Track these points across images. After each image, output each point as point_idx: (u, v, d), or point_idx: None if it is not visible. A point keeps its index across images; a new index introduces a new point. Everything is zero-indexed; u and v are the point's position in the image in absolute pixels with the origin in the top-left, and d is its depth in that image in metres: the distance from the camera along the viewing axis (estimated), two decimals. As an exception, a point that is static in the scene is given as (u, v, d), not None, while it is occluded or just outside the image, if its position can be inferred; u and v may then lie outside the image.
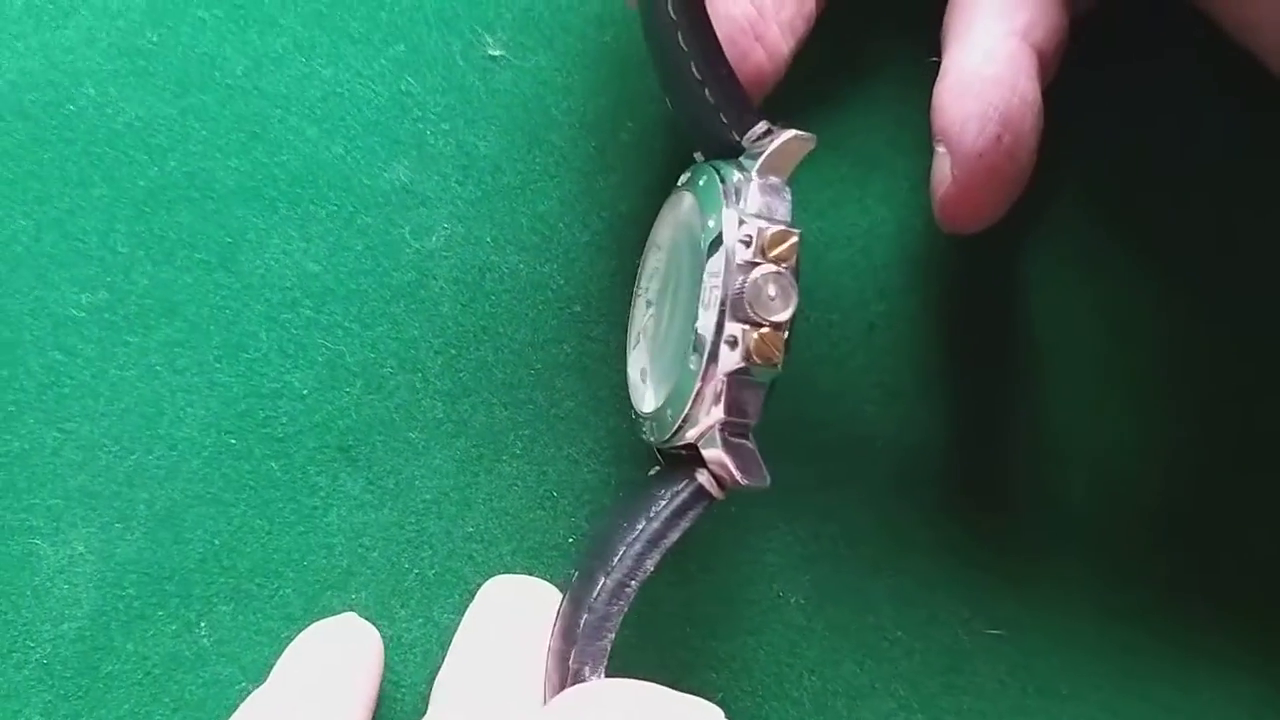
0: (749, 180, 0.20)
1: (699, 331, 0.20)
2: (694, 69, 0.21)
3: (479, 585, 0.24)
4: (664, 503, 0.20)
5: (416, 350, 0.25)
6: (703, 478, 0.20)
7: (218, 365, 0.25)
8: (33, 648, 0.24)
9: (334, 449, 0.25)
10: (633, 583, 0.20)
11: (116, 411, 0.25)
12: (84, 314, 0.25)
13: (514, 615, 0.22)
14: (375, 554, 0.25)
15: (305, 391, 0.25)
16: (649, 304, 0.23)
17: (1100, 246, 0.25)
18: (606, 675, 0.20)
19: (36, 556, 0.24)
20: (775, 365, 0.19)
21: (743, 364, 0.19)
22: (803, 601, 0.25)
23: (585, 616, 0.20)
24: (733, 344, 0.19)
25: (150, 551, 0.24)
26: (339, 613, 0.24)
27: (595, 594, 0.20)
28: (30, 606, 0.24)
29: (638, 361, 0.23)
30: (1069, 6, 0.23)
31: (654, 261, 0.23)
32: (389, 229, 0.26)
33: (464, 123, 0.26)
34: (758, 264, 0.19)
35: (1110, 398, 0.25)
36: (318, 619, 0.24)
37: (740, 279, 0.19)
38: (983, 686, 0.25)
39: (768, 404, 0.20)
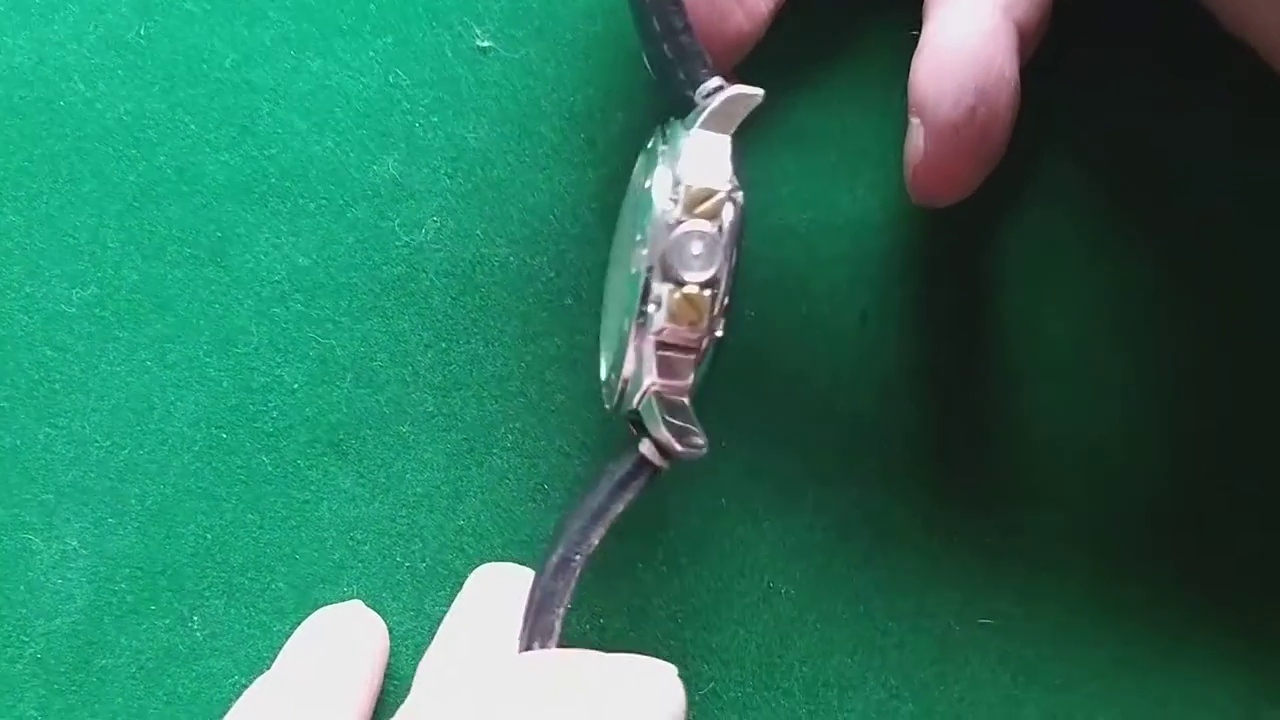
0: (686, 137, 0.19)
1: (629, 293, 0.19)
2: (655, 24, 0.20)
3: (470, 578, 0.24)
4: (610, 475, 0.20)
5: (407, 344, 0.25)
6: (645, 448, 0.20)
7: (208, 360, 0.25)
8: (26, 642, 0.24)
9: (325, 443, 0.25)
10: (577, 557, 0.20)
11: (107, 407, 0.25)
12: (74, 309, 0.25)
13: (498, 600, 0.23)
14: (367, 547, 0.25)
15: (296, 386, 0.25)
16: (611, 265, 0.23)
17: (1098, 238, 0.25)
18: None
19: (29, 552, 0.24)
20: (699, 328, 0.19)
21: (665, 325, 0.19)
22: (794, 593, 0.25)
23: (536, 594, 0.20)
24: (657, 304, 0.19)
25: (142, 546, 0.25)
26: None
27: (544, 570, 0.20)
28: (24, 601, 0.24)
29: (604, 324, 0.23)
30: None
31: (620, 222, 0.23)
32: (379, 222, 0.26)
33: (453, 115, 0.26)
34: (682, 221, 0.19)
35: (1104, 391, 0.25)
36: (310, 612, 0.24)
37: (666, 237, 0.19)
38: (973, 677, 0.25)
39: (714, 369, 0.20)
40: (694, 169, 0.19)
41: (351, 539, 0.25)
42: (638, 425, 0.20)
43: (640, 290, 0.19)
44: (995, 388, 0.25)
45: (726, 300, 0.19)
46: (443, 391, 0.25)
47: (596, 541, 0.20)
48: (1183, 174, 0.25)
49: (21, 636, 0.24)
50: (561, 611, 0.20)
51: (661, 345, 0.19)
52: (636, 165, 0.22)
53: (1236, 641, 0.25)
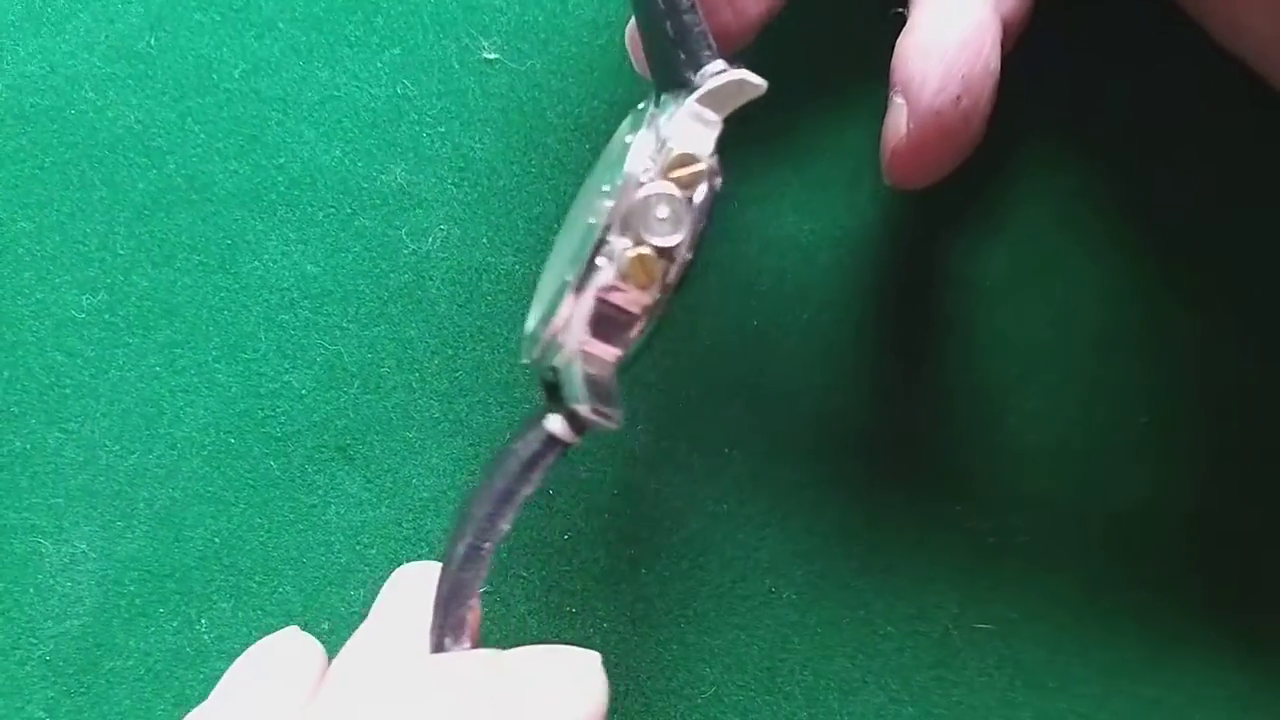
0: (679, 107, 0.19)
1: (581, 241, 0.19)
2: (660, 1, 0.20)
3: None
4: (514, 457, 0.19)
5: (414, 350, 0.26)
6: (553, 425, 0.19)
7: (217, 366, 0.25)
8: (35, 644, 0.24)
9: (332, 448, 0.25)
10: (486, 545, 0.19)
11: (117, 412, 0.25)
12: (85, 315, 0.25)
13: (414, 599, 0.21)
14: (373, 551, 0.25)
15: (304, 391, 0.25)
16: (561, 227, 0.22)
17: (1093, 245, 0.26)
18: (472, 647, 0.19)
19: (39, 555, 0.25)
20: (646, 295, 0.18)
21: (615, 282, 0.18)
22: (795, 597, 0.25)
23: (444, 586, 0.19)
24: (610, 258, 0.18)
25: (151, 549, 0.25)
26: (338, 609, 0.25)
27: (451, 561, 0.19)
28: (33, 604, 0.24)
29: (542, 282, 0.22)
30: None
31: (585, 183, 0.22)
32: (386, 231, 0.26)
33: (460, 125, 0.26)
34: (655, 182, 0.18)
35: (1103, 397, 0.25)
36: (317, 616, 0.24)
37: (635, 193, 0.18)
38: (972, 680, 0.25)
39: (647, 348, 0.19)
40: (680, 135, 0.19)
41: (358, 543, 0.25)
42: (551, 389, 0.19)
43: (595, 241, 0.18)
44: (994, 393, 0.25)
45: (677, 280, 0.19)
46: (449, 398, 0.25)
47: (507, 527, 0.19)
48: (1176, 177, 0.26)
49: (30, 639, 0.24)
50: (475, 603, 0.19)
51: (602, 303, 0.18)
52: (623, 124, 0.22)
53: (1232, 644, 0.25)
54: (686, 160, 0.18)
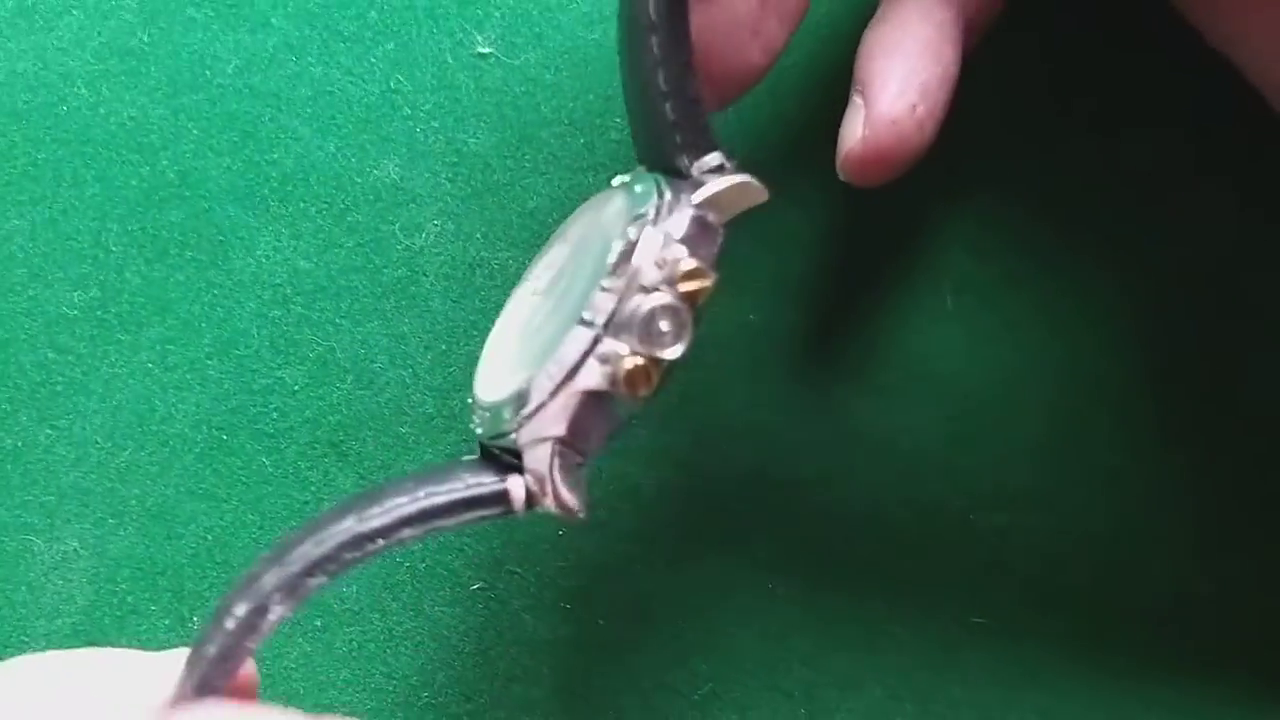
0: (686, 208, 0.18)
1: (571, 338, 0.18)
2: (661, 80, 0.19)
3: (470, 578, 0.24)
4: (460, 485, 0.18)
5: (407, 346, 0.25)
6: (511, 484, 0.18)
7: (209, 362, 0.25)
8: (27, 643, 0.24)
9: (325, 444, 0.25)
10: (380, 541, 0.18)
11: (109, 408, 0.25)
12: (77, 312, 0.25)
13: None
14: (367, 548, 0.25)
15: (296, 387, 0.25)
16: (534, 293, 0.21)
17: (1094, 245, 0.26)
18: (294, 611, 0.17)
19: (30, 553, 0.25)
20: (638, 400, 0.18)
21: (606, 387, 0.17)
22: (794, 594, 0.25)
23: (306, 546, 0.17)
24: (603, 361, 0.17)
25: (143, 547, 0.25)
26: (331, 606, 0.24)
27: (332, 534, 0.17)
28: (25, 602, 0.24)
29: (498, 347, 0.21)
30: None
31: (556, 254, 0.21)
32: (379, 226, 0.26)
33: (454, 120, 0.26)
34: (660, 291, 0.18)
35: (1108, 399, 0.25)
36: (310, 613, 0.24)
37: (637, 300, 0.17)
38: (972, 678, 0.25)
39: (612, 442, 0.18)
40: (686, 244, 0.18)
41: (352, 540, 0.25)
42: (511, 464, 0.18)
43: (590, 339, 0.18)
44: (996, 391, 0.25)
45: (667, 382, 0.18)
46: (442, 393, 0.25)
47: (408, 537, 0.18)
48: (1183, 173, 0.26)
49: (22, 637, 0.24)
50: (324, 581, 0.17)
51: (587, 403, 0.18)
52: (595, 198, 0.21)
53: (1235, 643, 0.25)
54: (698, 274, 0.18)
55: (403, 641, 0.24)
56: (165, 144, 0.26)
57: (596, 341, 0.18)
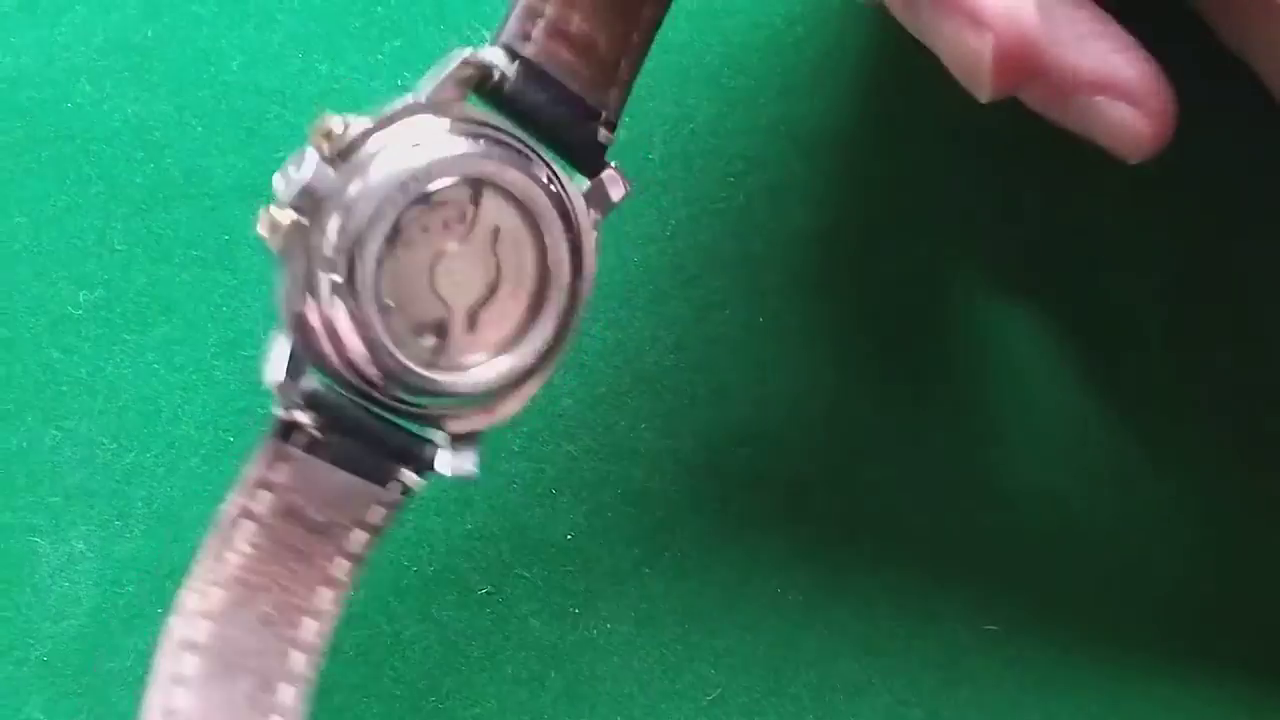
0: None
1: None
2: None
3: (477, 582, 0.24)
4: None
5: (414, 347, 0.25)
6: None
7: (215, 362, 0.25)
8: (33, 645, 0.24)
9: (332, 446, 0.25)
10: None
11: (114, 409, 0.25)
12: (82, 312, 0.25)
13: None
14: (374, 552, 0.25)
15: (303, 389, 0.25)
16: None
17: (1099, 247, 0.25)
18: None
19: (36, 555, 0.24)
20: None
21: None
22: (801, 598, 0.25)
23: None
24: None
25: (149, 549, 0.24)
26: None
27: None
28: (30, 604, 0.24)
29: None
30: None
31: None
32: (386, 225, 0.26)
33: (461, 119, 0.26)
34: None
35: (1112, 400, 0.25)
36: (317, 616, 0.24)
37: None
38: (980, 681, 0.25)
39: None
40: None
41: (358, 542, 0.25)
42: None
43: None
44: (1003, 391, 0.25)
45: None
46: (450, 395, 0.25)
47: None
48: (1183, 175, 0.25)
49: (28, 639, 0.24)
50: None
51: None
52: None
53: (1244, 645, 0.25)
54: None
55: (410, 645, 0.24)
56: (170, 142, 0.26)
57: None
